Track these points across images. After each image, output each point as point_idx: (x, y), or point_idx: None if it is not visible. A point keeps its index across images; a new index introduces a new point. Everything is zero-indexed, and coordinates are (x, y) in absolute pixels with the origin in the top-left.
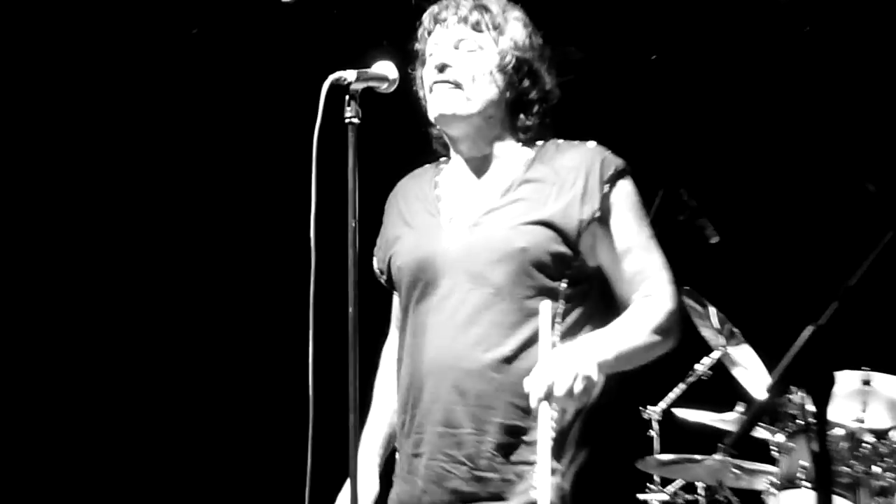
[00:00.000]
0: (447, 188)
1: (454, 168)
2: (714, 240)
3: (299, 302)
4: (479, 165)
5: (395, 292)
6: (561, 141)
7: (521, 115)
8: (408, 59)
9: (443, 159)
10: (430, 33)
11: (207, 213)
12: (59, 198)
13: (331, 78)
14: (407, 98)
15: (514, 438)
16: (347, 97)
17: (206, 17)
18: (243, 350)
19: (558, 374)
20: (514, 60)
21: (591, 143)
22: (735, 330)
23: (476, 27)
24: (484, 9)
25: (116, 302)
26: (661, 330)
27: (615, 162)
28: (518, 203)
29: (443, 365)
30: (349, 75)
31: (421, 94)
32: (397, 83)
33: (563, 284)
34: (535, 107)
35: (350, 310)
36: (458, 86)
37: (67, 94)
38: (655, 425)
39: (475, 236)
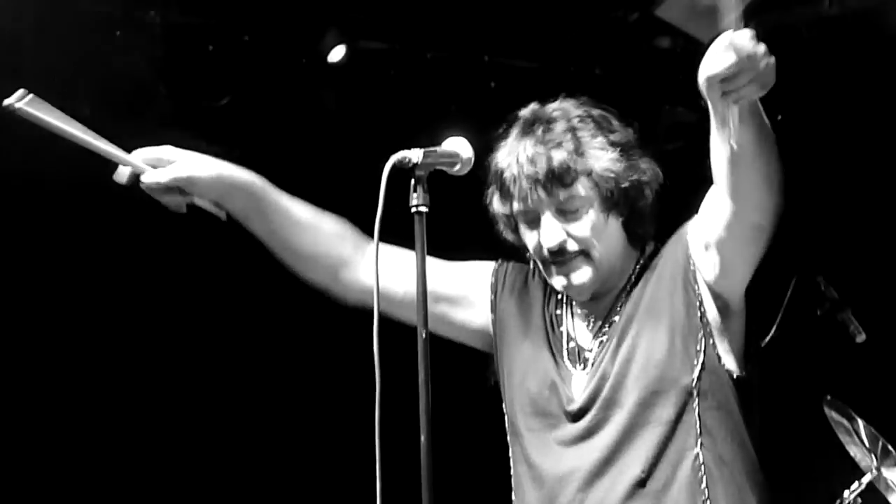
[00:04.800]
0: (567, 312)
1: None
2: (860, 338)
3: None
4: (600, 296)
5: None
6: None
7: (636, 230)
8: (482, 131)
9: None
10: (512, 196)
11: (262, 309)
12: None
13: (392, 159)
14: (481, 178)
15: None
16: (413, 181)
17: (239, 81)
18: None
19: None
20: (614, 195)
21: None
22: (890, 448)
23: (563, 183)
24: (557, 154)
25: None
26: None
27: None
28: (632, 329)
29: None
30: (414, 155)
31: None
32: (472, 163)
33: (694, 380)
34: (647, 211)
35: (422, 439)
36: (583, 254)
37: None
38: None
39: (598, 378)
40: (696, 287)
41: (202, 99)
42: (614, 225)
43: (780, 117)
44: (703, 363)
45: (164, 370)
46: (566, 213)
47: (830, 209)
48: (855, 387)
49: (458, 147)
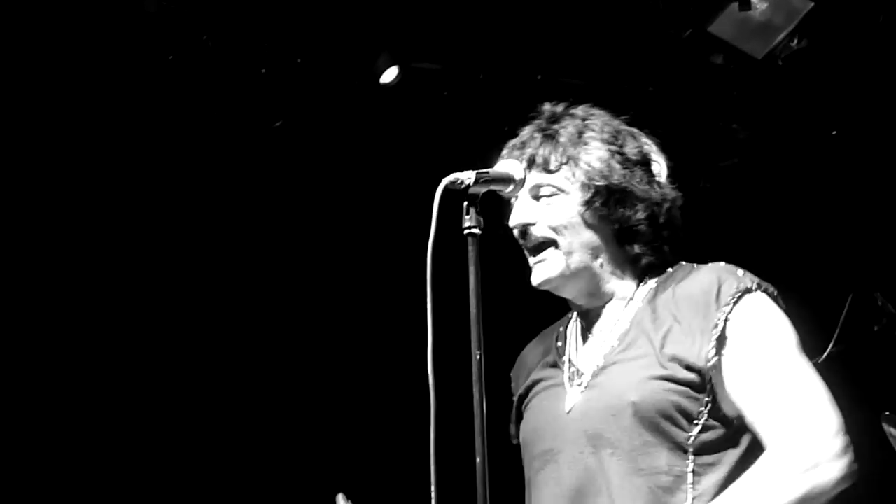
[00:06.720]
0: (570, 341)
1: (578, 319)
2: None
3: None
4: (600, 312)
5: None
6: (694, 265)
7: (627, 247)
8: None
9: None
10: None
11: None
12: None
13: (445, 181)
14: None
15: None
16: (466, 203)
17: (291, 104)
18: None
19: None
20: (597, 192)
21: (719, 264)
22: None
23: (547, 168)
24: (552, 140)
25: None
26: None
27: (739, 280)
28: (631, 351)
29: None
30: (467, 177)
31: None
32: (524, 185)
33: (691, 438)
34: (642, 229)
35: (478, 460)
36: (548, 243)
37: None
38: None
39: (591, 395)
40: (710, 362)
41: (255, 122)
42: (594, 224)
43: (834, 132)
44: (699, 405)
45: (180, 373)
46: (541, 199)
47: (888, 225)
48: None
49: (511, 168)
